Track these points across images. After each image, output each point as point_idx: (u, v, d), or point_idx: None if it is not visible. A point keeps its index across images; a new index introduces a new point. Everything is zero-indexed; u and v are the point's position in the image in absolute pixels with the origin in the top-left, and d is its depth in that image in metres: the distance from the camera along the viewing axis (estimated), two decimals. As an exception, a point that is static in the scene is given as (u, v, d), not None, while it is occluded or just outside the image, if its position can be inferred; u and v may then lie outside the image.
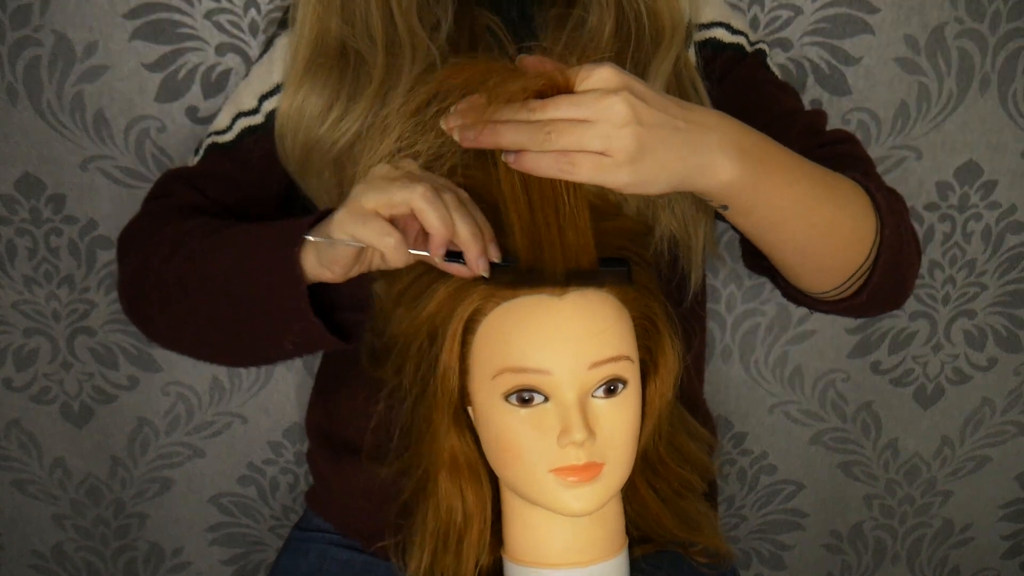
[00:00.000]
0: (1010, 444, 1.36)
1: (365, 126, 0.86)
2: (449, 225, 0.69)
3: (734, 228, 0.94)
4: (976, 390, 1.32)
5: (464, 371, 0.75)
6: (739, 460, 1.35)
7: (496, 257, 0.71)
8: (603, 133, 0.65)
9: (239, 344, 0.86)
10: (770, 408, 1.31)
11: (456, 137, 0.68)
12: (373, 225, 0.69)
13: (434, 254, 0.70)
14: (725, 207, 0.74)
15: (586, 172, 0.65)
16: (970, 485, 1.38)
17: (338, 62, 0.89)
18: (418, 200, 0.69)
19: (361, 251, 0.74)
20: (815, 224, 0.76)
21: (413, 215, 0.70)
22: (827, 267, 0.80)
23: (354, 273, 0.76)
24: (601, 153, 0.65)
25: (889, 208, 0.81)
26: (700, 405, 1.01)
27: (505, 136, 0.66)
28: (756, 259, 0.90)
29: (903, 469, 1.37)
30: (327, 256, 0.74)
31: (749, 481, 1.36)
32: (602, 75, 0.66)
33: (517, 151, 0.66)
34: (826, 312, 0.88)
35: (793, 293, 0.87)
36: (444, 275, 0.75)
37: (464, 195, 0.73)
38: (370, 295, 0.84)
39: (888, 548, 1.43)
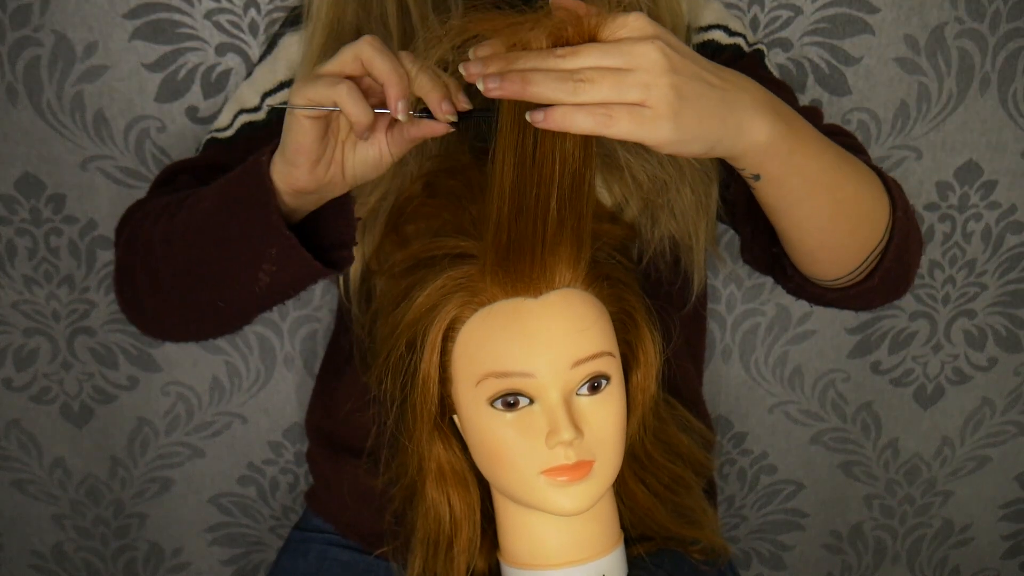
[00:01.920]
0: (1010, 444, 1.36)
1: None
2: (400, 71, 0.65)
3: (734, 227, 0.94)
4: (976, 390, 1.32)
5: (445, 379, 0.75)
6: (739, 460, 1.35)
7: (465, 105, 0.67)
8: (641, 81, 0.60)
9: (218, 291, 0.82)
10: (770, 408, 1.31)
11: (480, 87, 0.62)
12: (322, 80, 0.67)
13: (393, 106, 0.66)
14: (757, 176, 0.71)
15: (625, 126, 0.60)
16: (970, 485, 1.38)
17: None
18: (364, 49, 0.66)
19: (324, 132, 0.70)
20: (839, 200, 0.74)
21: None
22: (845, 248, 0.79)
23: (322, 173, 0.72)
24: (639, 105, 0.61)
25: (898, 192, 0.80)
26: (700, 405, 1.01)
27: (534, 85, 0.60)
28: (760, 249, 0.89)
29: (903, 469, 1.37)
30: (291, 147, 0.71)
31: (749, 481, 1.36)
32: (635, 23, 0.62)
33: (546, 108, 0.61)
34: (831, 304, 0.87)
35: (800, 282, 0.85)
36: (421, 282, 0.74)
37: (429, 62, 0.69)
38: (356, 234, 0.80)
39: (888, 548, 1.43)
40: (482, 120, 0.67)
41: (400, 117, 0.67)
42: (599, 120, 0.60)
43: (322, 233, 0.80)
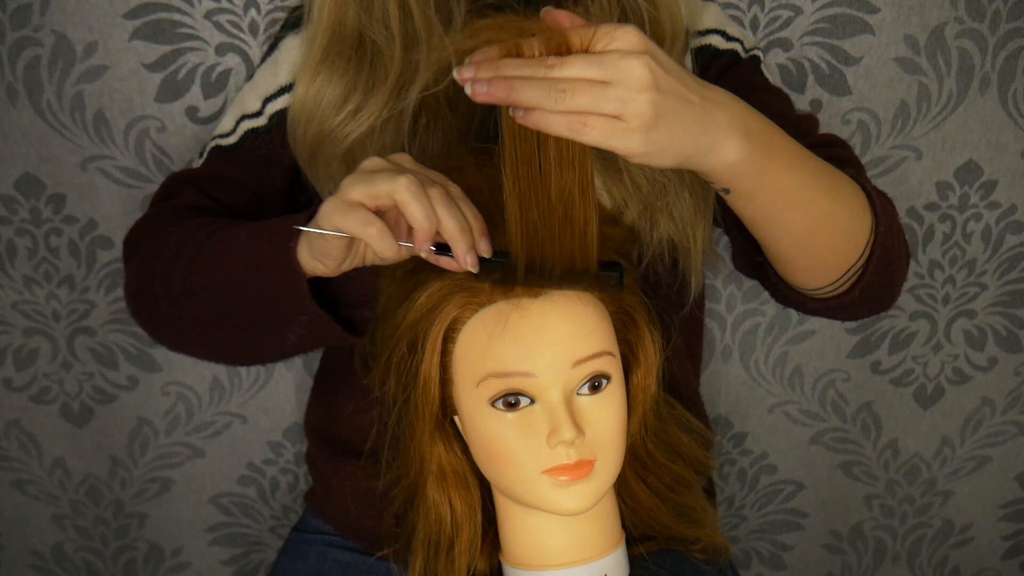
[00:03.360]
0: (1010, 444, 1.36)
1: (380, 120, 0.86)
2: (432, 219, 0.68)
3: (725, 231, 0.94)
4: (976, 390, 1.32)
5: (446, 380, 0.75)
6: (739, 460, 1.35)
7: (486, 252, 0.70)
8: (620, 96, 0.63)
9: (244, 341, 0.86)
10: (770, 408, 1.31)
11: (468, 91, 0.65)
12: (356, 215, 0.69)
13: (419, 248, 0.69)
14: (727, 191, 0.73)
15: (597, 135, 0.64)
16: (970, 485, 1.38)
17: (355, 52, 0.88)
18: (401, 192, 0.68)
19: (351, 243, 0.73)
20: (814, 216, 0.76)
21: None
22: (823, 261, 0.80)
23: (347, 267, 0.75)
24: (616, 117, 0.63)
25: (883, 208, 0.81)
26: (698, 404, 1.02)
27: (519, 92, 0.63)
28: (747, 258, 0.90)
29: (903, 469, 1.37)
30: (318, 248, 0.74)
31: (749, 481, 1.36)
32: (626, 37, 0.64)
33: (528, 108, 0.64)
34: (815, 312, 0.88)
35: (784, 290, 0.87)
36: (422, 283, 0.75)
37: (456, 189, 0.72)
38: (373, 292, 0.84)
39: (888, 548, 1.43)
40: (500, 266, 0.70)
41: (423, 255, 0.70)
42: (573, 127, 0.63)
43: (339, 291, 0.83)
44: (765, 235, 0.79)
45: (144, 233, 0.92)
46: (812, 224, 0.77)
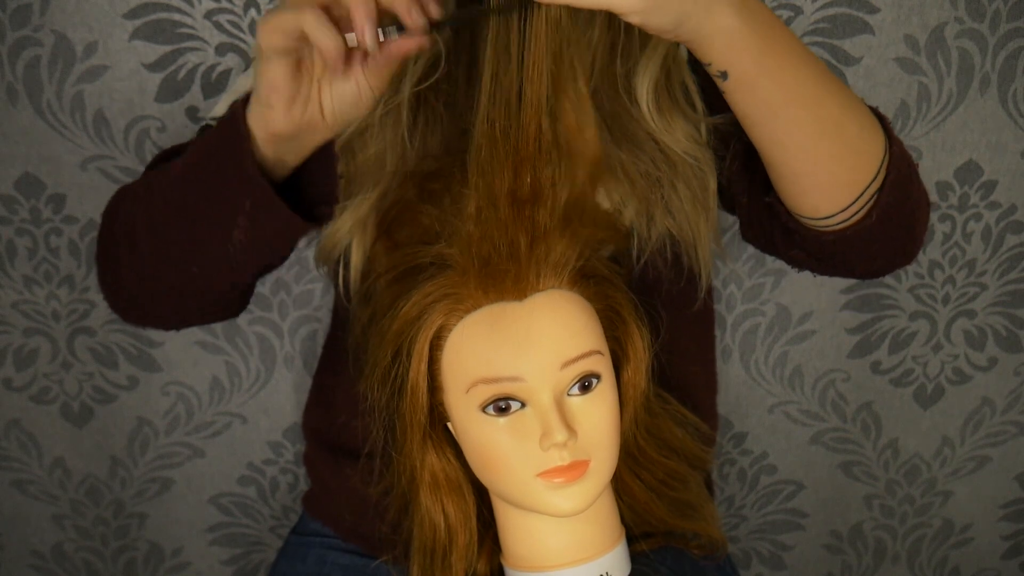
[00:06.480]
0: (1010, 444, 1.36)
1: (377, 115, 0.84)
2: None
3: (732, 196, 0.91)
4: (976, 390, 1.32)
5: (436, 388, 0.75)
6: (739, 460, 1.35)
7: (435, 14, 0.64)
8: None
9: (192, 253, 0.78)
10: (770, 408, 1.31)
11: None
12: (287, 8, 0.64)
13: (360, 30, 0.62)
14: (724, 75, 0.69)
15: None
16: (970, 485, 1.38)
17: None
18: None
19: (297, 70, 0.67)
20: (820, 119, 0.72)
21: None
22: (832, 177, 0.75)
23: (299, 112, 0.69)
24: None
25: (896, 136, 0.78)
26: (700, 400, 1.00)
27: None
28: (756, 210, 0.85)
29: (903, 469, 1.37)
30: (263, 88, 0.68)
31: (749, 481, 1.36)
32: None
33: None
34: (831, 256, 0.82)
35: (795, 228, 0.81)
36: (406, 292, 0.73)
37: None
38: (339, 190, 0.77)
39: (888, 548, 1.43)
40: (460, 25, 0.65)
41: (368, 45, 0.64)
42: None
43: (304, 188, 0.77)
44: (770, 142, 0.74)
45: (117, 193, 0.88)
46: (818, 128, 0.72)
